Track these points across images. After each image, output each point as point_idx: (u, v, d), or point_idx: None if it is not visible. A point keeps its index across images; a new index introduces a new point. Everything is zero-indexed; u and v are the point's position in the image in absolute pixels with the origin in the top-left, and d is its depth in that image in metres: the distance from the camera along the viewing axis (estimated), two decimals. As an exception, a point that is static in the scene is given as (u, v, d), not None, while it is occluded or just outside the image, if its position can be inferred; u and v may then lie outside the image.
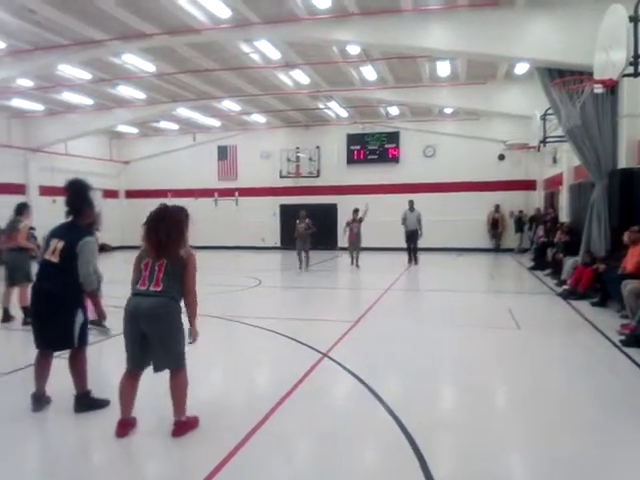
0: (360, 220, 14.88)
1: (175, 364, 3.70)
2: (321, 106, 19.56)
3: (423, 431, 3.73)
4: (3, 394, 4.80)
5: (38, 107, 18.22)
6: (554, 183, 16.85)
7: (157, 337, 3.60)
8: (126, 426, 3.72)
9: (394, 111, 20.37)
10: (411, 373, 5.30)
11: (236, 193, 23.08)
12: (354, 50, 13.09)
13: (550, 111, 11.92)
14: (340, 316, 8.48)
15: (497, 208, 19.98)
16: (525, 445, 3.71)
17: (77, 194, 4.28)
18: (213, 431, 3.82)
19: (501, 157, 20.07)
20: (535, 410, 4.30)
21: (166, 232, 3.60)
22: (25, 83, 14.97)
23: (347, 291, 11.73)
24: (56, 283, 4.04)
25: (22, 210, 7.84)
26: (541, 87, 11.09)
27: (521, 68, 14.20)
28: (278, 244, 22.60)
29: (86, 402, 4.14)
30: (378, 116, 21.36)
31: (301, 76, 15.36)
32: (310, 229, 14.19)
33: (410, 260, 15.22)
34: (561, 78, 9.18)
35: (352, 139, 21.90)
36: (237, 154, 23.35)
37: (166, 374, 3.73)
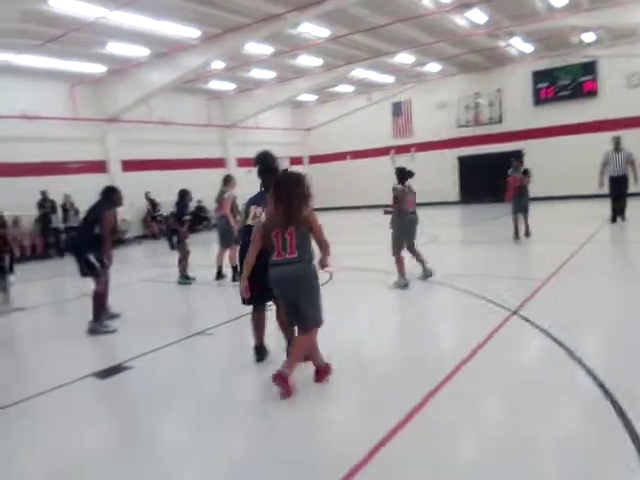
0: (525, 172, 10.58)
1: (319, 321, 4.00)
2: (502, 44, 18.00)
3: (632, 397, 3.37)
4: (224, 342, 5.63)
5: (230, 86, 20.15)
6: None
7: (305, 299, 3.92)
8: (321, 372, 4.12)
9: (589, 38, 17.77)
10: (617, 334, 4.80)
11: (412, 149, 22.80)
12: (538, -25, 11.71)
13: None
14: (529, 273, 8.00)
15: None
16: None
17: (268, 164, 4.67)
18: (401, 385, 3.98)
19: None
20: None
21: (297, 195, 3.81)
22: (218, 65, 16.63)
23: (536, 245, 10.74)
24: None
25: (227, 181, 8.97)
26: None
27: None
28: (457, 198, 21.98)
29: None
30: (569, 46, 18.87)
31: (478, 15, 14.30)
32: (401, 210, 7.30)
33: (615, 213, 12.15)
34: None
35: (539, 76, 19.85)
36: (411, 108, 22.94)
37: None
